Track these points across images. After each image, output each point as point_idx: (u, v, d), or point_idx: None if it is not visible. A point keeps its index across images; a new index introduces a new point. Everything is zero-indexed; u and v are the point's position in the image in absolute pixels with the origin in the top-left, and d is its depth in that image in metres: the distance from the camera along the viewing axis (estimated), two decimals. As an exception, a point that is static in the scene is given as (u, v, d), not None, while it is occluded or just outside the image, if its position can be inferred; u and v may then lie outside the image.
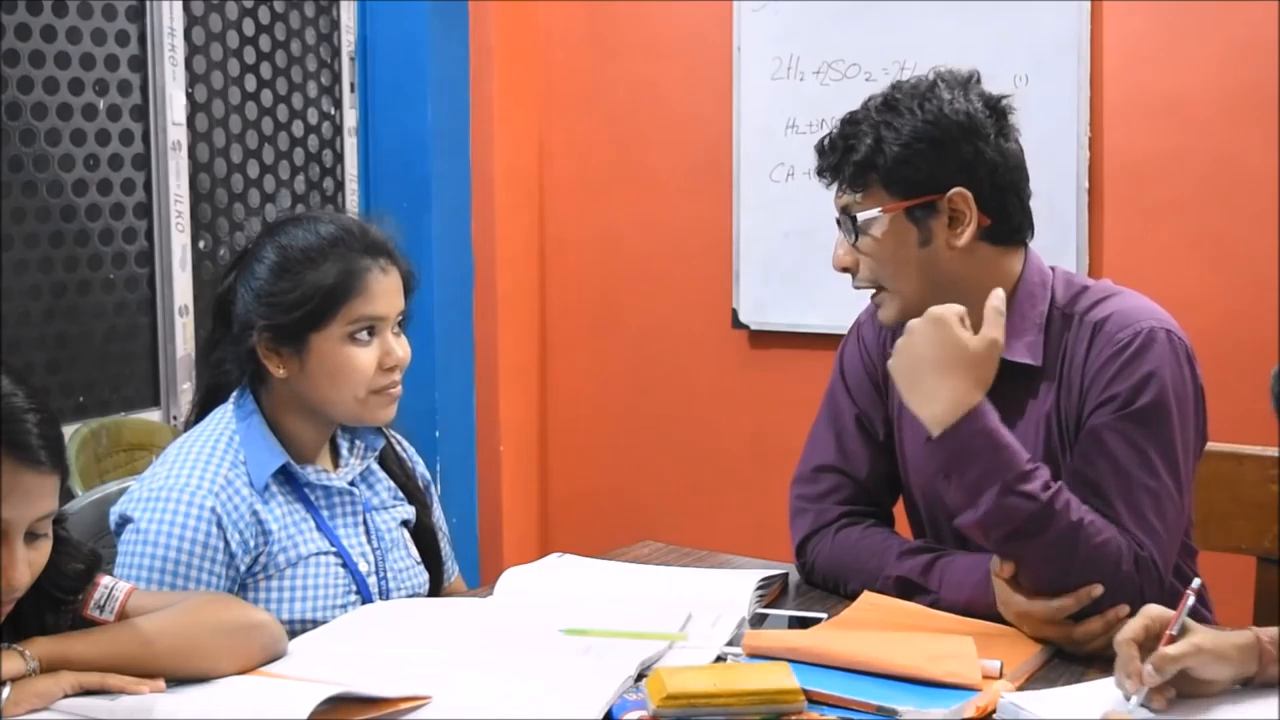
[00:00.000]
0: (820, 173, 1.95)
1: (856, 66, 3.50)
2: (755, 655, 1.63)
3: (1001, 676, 1.58)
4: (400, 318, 1.92)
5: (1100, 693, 1.52)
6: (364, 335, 1.86)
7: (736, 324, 3.74)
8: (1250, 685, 1.50)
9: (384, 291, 1.88)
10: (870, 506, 2.06)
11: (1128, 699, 1.46)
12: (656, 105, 3.84)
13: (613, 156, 3.93)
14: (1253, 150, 3.11)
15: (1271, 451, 2.20)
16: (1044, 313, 1.90)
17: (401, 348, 1.90)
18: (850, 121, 1.92)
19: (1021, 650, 1.68)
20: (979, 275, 1.88)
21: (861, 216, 1.88)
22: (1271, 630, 1.51)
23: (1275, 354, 3.07)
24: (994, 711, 1.49)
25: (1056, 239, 3.26)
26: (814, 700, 1.51)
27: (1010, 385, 1.86)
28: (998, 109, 1.92)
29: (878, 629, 1.76)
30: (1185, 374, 1.85)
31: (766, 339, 3.72)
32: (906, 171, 1.87)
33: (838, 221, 1.94)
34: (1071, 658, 1.70)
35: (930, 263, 1.88)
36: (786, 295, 3.65)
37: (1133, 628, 1.50)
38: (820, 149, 1.95)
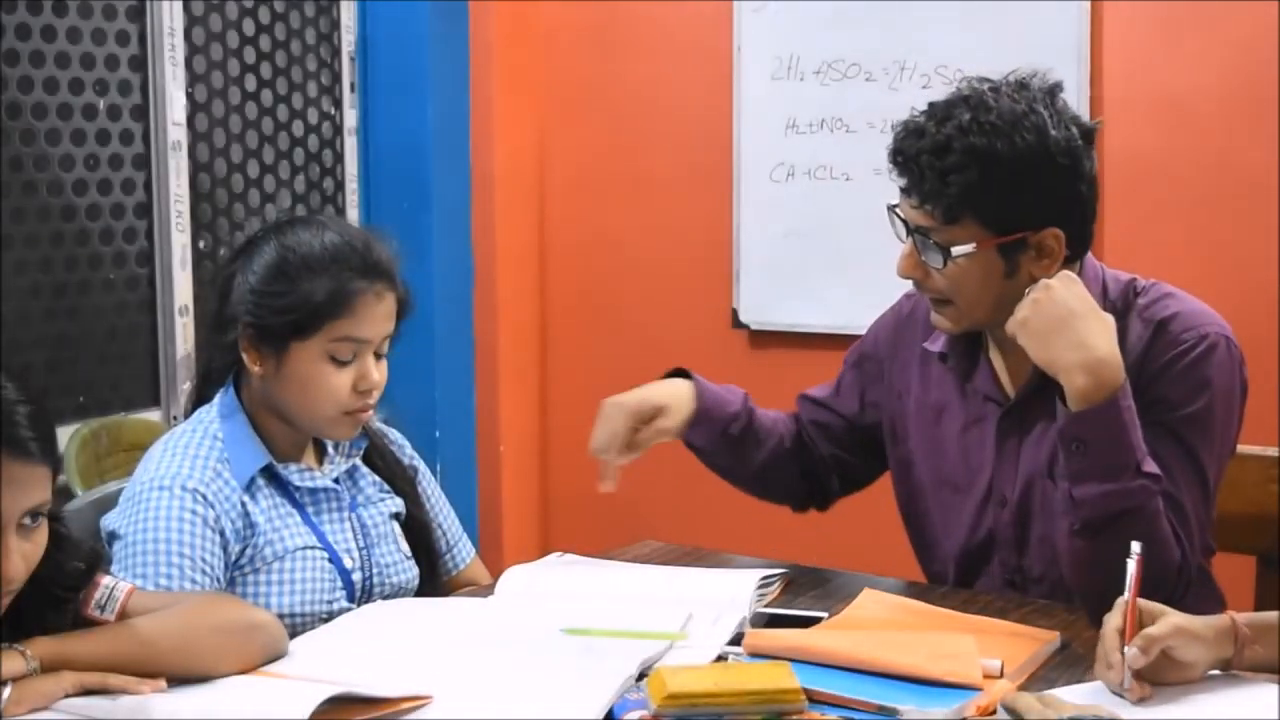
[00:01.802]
0: (907, 191, 1.86)
1: (856, 66, 3.50)
2: (756, 655, 1.63)
3: (1002, 676, 1.58)
4: (385, 343, 1.91)
5: (1100, 693, 1.52)
6: (343, 355, 1.86)
7: (736, 324, 3.74)
8: (1228, 670, 1.52)
9: (373, 317, 1.87)
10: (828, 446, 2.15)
11: (1111, 688, 1.47)
12: (656, 105, 3.84)
13: (613, 156, 3.92)
14: (1253, 150, 3.11)
15: (1271, 451, 2.21)
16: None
17: (379, 372, 1.89)
18: (945, 144, 1.81)
19: (1021, 650, 1.68)
20: None
21: (955, 250, 1.83)
22: (1247, 614, 1.52)
23: (1275, 354, 3.07)
24: (994, 711, 1.49)
25: (1056, 239, 3.26)
26: (815, 700, 1.51)
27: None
28: (1089, 134, 1.86)
29: (878, 628, 1.76)
30: (1236, 382, 1.90)
31: (766, 339, 3.71)
32: (1008, 208, 1.82)
33: (901, 223, 1.88)
34: (1072, 658, 1.70)
35: (1010, 290, 1.85)
36: (786, 295, 3.65)
37: (1116, 618, 1.51)
38: (905, 164, 1.85)
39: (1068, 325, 1.74)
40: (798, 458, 2.17)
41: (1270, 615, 1.54)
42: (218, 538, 1.81)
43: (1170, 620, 1.49)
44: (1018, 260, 1.85)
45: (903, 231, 1.90)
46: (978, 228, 1.83)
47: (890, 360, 2.12)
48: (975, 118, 1.81)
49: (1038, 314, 1.76)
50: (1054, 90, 1.86)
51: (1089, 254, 1.95)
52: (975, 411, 2.00)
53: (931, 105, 1.88)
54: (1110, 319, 1.77)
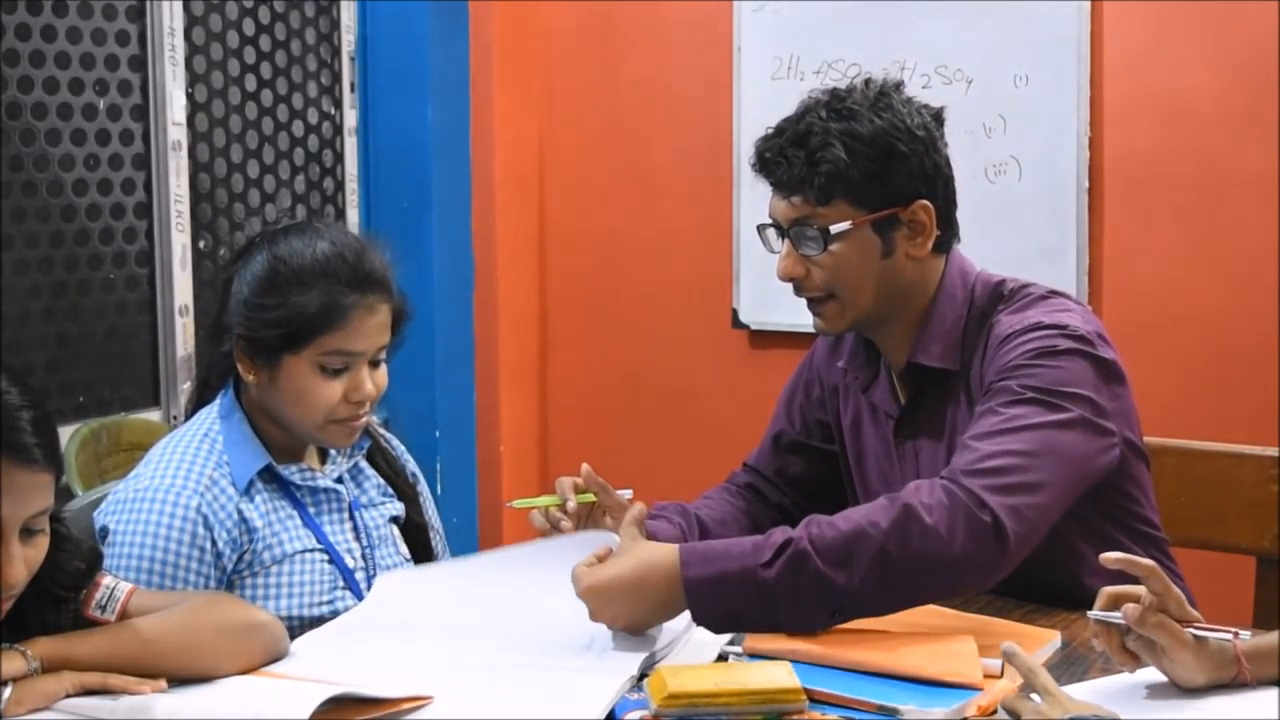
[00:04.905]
0: (779, 186, 1.92)
1: (856, 66, 3.49)
2: (757, 655, 1.63)
3: (1003, 676, 1.58)
4: (382, 352, 1.90)
5: (1100, 693, 1.52)
6: (335, 367, 1.85)
7: (736, 324, 3.74)
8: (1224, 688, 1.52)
9: (365, 330, 1.85)
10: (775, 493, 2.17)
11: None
12: (656, 105, 3.84)
13: (613, 156, 3.93)
14: (1253, 151, 3.11)
15: (1271, 451, 2.21)
16: (963, 316, 1.93)
17: (375, 382, 1.88)
18: (805, 132, 1.90)
19: (1024, 649, 1.67)
20: (919, 282, 1.94)
21: (833, 229, 1.89)
22: (1248, 644, 1.51)
23: (1275, 354, 3.08)
24: (995, 711, 1.49)
25: (1056, 239, 3.26)
26: (815, 700, 1.51)
27: (930, 391, 1.94)
28: (940, 119, 1.95)
29: (879, 629, 1.76)
30: (1091, 363, 1.81)
31: (766, 339, 3.72)
32: (876, 184, 1.88)
33: (778, 230, 1.94)
34: (1072, 658, 1.70)
35: (888, 273, 1.92)
36: (786, 295, 3.60)
37: (1139, 591, 1.50)
38: (771, 160, 1.92)
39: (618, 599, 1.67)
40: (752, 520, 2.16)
41: (1269, 637, 1.54)
42: (205, 555, 1.80)
43: (1180, 635, 1.48)
44: (893, 239, 1.91)
45: (774, 240, 1.96)
46: (850, 207, 1.89)
47: (827, 381, 2.16)
48: (831, 106, 1.92)
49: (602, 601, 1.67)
50: (898, 85, 1.95)
51: (961, 254, 1.98)
52: (880, 425, 2.04)
53: (785, 118, 1.96)
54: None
